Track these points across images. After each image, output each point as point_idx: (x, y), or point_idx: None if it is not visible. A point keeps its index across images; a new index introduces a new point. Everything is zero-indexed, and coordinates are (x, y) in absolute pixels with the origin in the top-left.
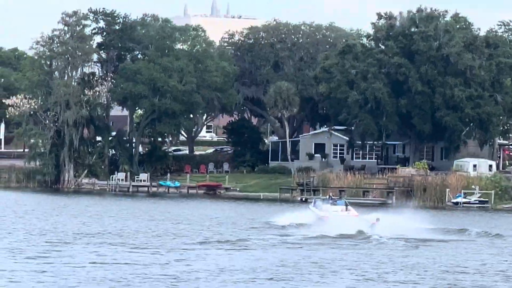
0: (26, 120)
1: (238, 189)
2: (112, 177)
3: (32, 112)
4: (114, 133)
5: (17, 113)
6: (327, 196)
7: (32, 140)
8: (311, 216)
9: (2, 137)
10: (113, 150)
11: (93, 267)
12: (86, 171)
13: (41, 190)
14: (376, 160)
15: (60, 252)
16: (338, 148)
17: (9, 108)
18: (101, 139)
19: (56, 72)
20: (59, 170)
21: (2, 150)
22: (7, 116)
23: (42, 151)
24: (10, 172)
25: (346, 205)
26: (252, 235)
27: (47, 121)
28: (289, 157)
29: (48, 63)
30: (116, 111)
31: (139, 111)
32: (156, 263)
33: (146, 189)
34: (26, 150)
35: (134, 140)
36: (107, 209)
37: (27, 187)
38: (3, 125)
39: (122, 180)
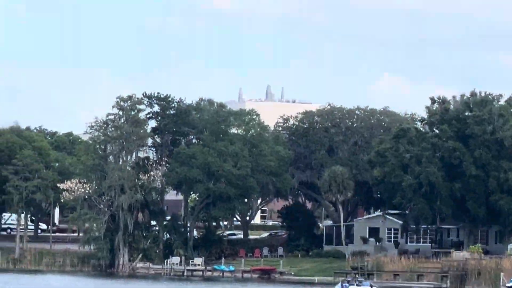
0: (80, 204)
1: (292, 273)
2: (167, 261)
3: (86, 197)
4: (168, 217)
5: (71, 197)
6: (353, 277)
7: (86, 224)
8: None
9: (57, 221)
10: (167, 234)
11: None
12: (140, 255)
13: (95, 274)
14: (430, 244)
15: None
16: (393, 232)
17: (64, 193)
18: (155, 223)
19: (110, 157)
20: (114, 254)
21: (57, 234)
22: (62, 201)
23: (97, 235)
24: (65, 256)
25: (371, 287)
26: None
27: (102, 205)
28: (343, 241)
29: (103, 147)
30: (171, 195)
31: (194, 195)
32: None
33: (200, 273)
34: (81, 234)
35: (188, 224)
36: None
37: (81, 271)
38: (57, 209)
39: (177, 264)
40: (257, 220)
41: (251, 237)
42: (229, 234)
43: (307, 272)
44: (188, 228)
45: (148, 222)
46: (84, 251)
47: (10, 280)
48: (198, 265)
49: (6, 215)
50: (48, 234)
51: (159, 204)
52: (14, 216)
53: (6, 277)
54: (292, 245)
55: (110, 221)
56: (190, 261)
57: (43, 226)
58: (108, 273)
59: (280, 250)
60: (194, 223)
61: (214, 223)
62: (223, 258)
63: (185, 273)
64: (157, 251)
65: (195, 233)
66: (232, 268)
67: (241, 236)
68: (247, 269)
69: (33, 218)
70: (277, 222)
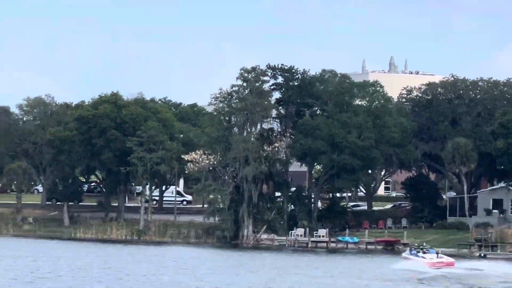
0: (205, 175)
1: (416, 244)
2: (291, 232)
3: (211, 168)
4: (293, 189)
5: (196, 169)
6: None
7: (211, 196)
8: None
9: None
10: (292, 206)
11: None
12: (265, 227)
13: (220, 246)
14: None
15: None
16: None
17: (188, 164)
18: (280, 195)
19: (235, 128)
20: (238, 225)
21: (182, 206)
22: (186, 172)
23: (221, 206)
24: (189, 228)
25: (437, 253)
26: None
27: (226, 177)
28: (467, 212)
29: (227, 118)
30: (295, 166)
31: (318, 167)
32: None
33: (325, 244)
34: (205, 206)
35: (312, 196)
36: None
37: (206, 243)
38: (182, 181)
39: (301, 235)
40: (380, 191)
41: (375, 208)
42: (353, 206)
43: (430, 244)
44: (312, 200)
45: (272, 194)
46: (209, 223)
47: (135, 251)
48: (322, 236)
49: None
50: (172, 206)
51: (283, 175)
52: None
53: (132, 248)
54: (415, 216)
55: (234, 192)
56: (314, 232)
57: (188, 197)
58: (232, 245)
59: (404, 222)
60: (318, 194)
61: (338, 195)
62: (347, 230)
63: (309, 245)
64: (281, 222)
65: (319, 204)
66: (356, 239)
67: (365, 207)
68: (371, 240)
69: (158, 189)
70: (400, 194)
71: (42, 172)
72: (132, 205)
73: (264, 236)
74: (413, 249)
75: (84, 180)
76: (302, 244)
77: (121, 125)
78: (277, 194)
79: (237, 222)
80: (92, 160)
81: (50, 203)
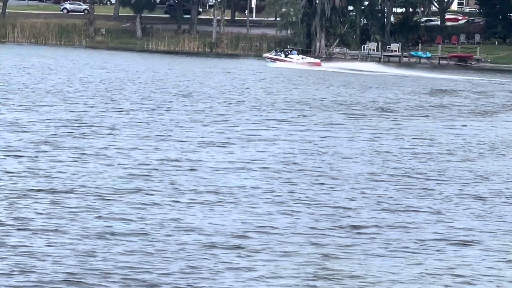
0: None
1: (489, 60)
2: (363, 46)
3: None
4: (366, 3)
5: None
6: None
7: (283, 9)
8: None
9: (254, 6)
10: (364, 20)
11: None
12: (337, 41)
13: None
14: None
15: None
16: None
17: None
18: (353, 9)
19: None
20: (310, 39)
21: (254, 18)
22: None
23: (294, 20)
24: (261, 41)
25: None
26: None
27: None
28: None
29: None
30: None
31: None
32: None
33: (397, 59)
34: (278, 19)
35: (386, 10)
36: None
37: None
38: None
39: (373, 49)
40: (454, 6)
41: (448, 23)
42: (426, 21)
43: (503, 60)
44: (385, 14)
45: (345, 7)
46: (281, 36)
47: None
48: (395, 51)
49: None
50: (245, 19)
51: None
52: None
53: (206, 60)
54: (489, 32)
55: (307, 5)
56: (387, 47)
57: None
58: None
59: (477, 37)
60: (392, 8)
61: (411, 9)
62: (419, 45)
63: (382, 59)
64: (354, 36)
65: (392, 18)
66: (428, 54)
67: (438, 22)
68: (444, 55)
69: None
70: (474, 9)
71: None
72: (204, 17)
73: (336, 50)
74: (277, 50)
75: None
76: (374, 58)
77: None
78: (350, 8)
79: (309, 35)
80: None
81: (122, 14)
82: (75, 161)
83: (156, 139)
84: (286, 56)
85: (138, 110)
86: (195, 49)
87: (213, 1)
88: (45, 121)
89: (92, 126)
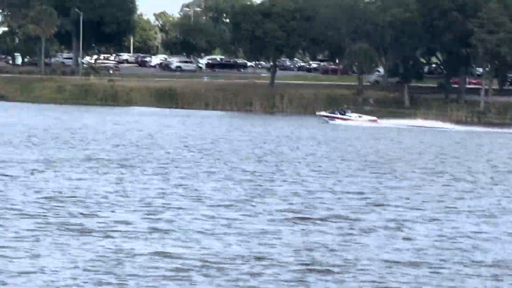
0: None
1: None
2: None
3: None
4: None
5: None
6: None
7: None
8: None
9: None
10: None
11: None
12: None
13: None
14: None
15: None
16: None
17: None
18: None
19: None
20: None
21: None
22: None
23: None
24: None
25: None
26: None
27: None
28: None
29: None
30: None
31: None
32: None
33: None
34: None
35: None
36: None
37: None
38: None
39: None
40: None
41: None
42: None
43: None
44: None
45: None
46: None
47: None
48: None
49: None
50: None
51: None
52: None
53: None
54: None
55: None
56: None
57: None
58: None
59: None
60: None
61: None
62: None
63: None
64: None
65: None
66: None
67: None
68: None
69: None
70: None
71: (383, 53)
72: (472, 86)
73: None
74: (334, 109)
75: (425, 62)
76: None
77: (462, 6)
78: None
79: None
80: (433, 41)
81: (390, 84)
82: None
83: None
84: (342, 114)
85: None
86: (463, 118)
87: (481, 71)
88: None
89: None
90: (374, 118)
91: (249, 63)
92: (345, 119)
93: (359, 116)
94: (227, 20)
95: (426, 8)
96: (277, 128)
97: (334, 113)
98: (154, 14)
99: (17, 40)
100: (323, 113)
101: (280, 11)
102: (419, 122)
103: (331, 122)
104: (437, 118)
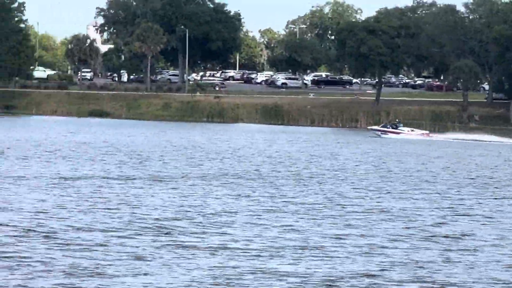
0: None
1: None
2: None
3: None
4: None
5: None
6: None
7: None
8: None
9: None
10: None
11: None
12: None
13: None
14: None
15: None
16: None
17: None
18: None
19: None
20: None
21: None
22: None
23: None
24: None
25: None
26: None
27: None
28: None
29: None
30: None
31: None
32: None
33: None
34: None
35: None
36: None
37: None
38: None
39: None
40: None
41: None
42: None
43: None
44: None
45: None
46: None
47: None
48: None
49: None
50: None
51: None
52: None
53: None
54: None
55: None
56: None
57: None
58: None
59: None
60: None
61: None
62: None
63: None
64: None
65: None
66: None
67: None
68: None
69: None
70: None
71: (488, 70)
72: None
73: None
74: (386, 123)
75: None
76: None
77: None
78: None
79: None
80: None
81: (495, 101)
82: None
83: None
84: (395, 128)
85: None
86: None
87: None
88: None
89: None
90: (427, 132)
91: (354, 80)
92: (397, 133)
93: (412, 130)
94: (332, 37)
95: None
96: (384, 145)
97: (386, 127)
98: (260, 31)
99: (123, 58)
100: (375, 127)
101: (385, 28)
102: (469, 136)
103: (383, 136)
104: None
